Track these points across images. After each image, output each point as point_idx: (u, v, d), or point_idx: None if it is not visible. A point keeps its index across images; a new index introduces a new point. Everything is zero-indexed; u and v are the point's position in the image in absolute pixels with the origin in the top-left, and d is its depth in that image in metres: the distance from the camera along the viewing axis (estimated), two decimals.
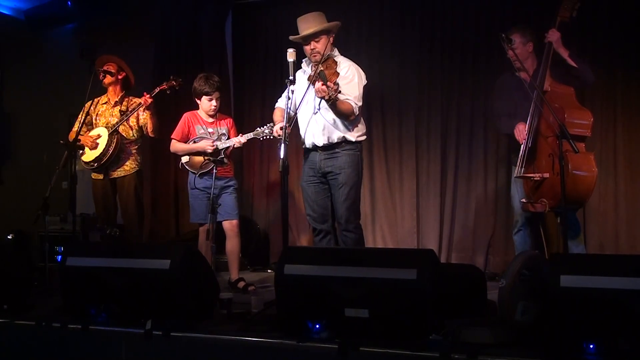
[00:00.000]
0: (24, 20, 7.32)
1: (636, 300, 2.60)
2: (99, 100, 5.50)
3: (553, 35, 4.49)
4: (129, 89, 5.58)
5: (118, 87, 5.51)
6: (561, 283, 2.73)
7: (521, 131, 4.55)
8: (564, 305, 2.73)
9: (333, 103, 4.25)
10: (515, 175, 4.61)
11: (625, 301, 2.62)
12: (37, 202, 4.99)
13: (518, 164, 4.54)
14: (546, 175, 4.40)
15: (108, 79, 5.43)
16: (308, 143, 4.62)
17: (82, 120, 5.38)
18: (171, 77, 5.35)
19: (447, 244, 6.16)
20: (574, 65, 4.49)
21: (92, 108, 5.46)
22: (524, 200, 4.59)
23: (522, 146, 4.51)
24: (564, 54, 4.50)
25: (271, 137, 4.81)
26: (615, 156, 5.59)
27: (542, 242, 4.92)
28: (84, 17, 7.15)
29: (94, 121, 5.48)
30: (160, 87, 5.30)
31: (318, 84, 4.17)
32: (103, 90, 5.55)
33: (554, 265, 2.86)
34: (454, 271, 3.74)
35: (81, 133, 5.33)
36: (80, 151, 5.39)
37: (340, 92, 4.22)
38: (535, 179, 4.46)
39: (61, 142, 5.39)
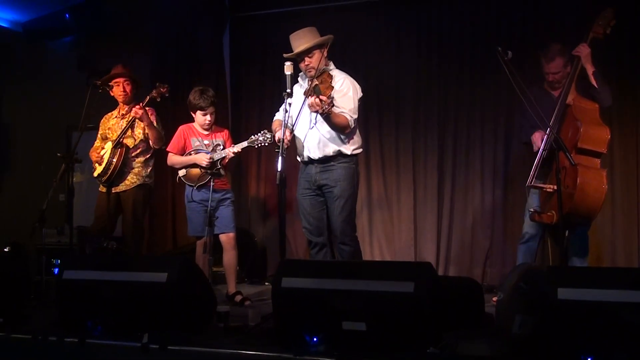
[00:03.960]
0: (22, 33, 7.34)
1: (633, 312, 2.60)
2: (111, 115, 5.49)
3: (583, 50, 4.47)
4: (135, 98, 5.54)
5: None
6: (558, 296, 2.74)
7: (537, 139, 4.53)
8: (561, 318, 2.73)
9: (327, 116, 4.27)
10: (527, 184, 4.57)
11: (622, 314, 2.63)
12: (34, 214, 4.97)
13: (531, 173, 4.50)
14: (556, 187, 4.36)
15: (116, 91, 5.41)
16: (304, 156, 4.62)
17: (98, 136, 5.43)
18: (157, 84, 5.27)
19: (445, 257, 6.16)
20: (594, 84, 4.47)
21: (106, 123, 5.46)
22: (531, 209, 4.55)
23: (537, 156, 4.48)
24: (589, 70, 4.48)
25: (266, 144, 4.80)
26: (612, 170, 5.58)
27: (548, 256, 4.89)
28: (82, 30, 7.15)
29: (108, 136, 5.47)
30: (150, 96, 5.24)
31: (312, 98, 4.19)
32: (108, 103, 5.51)
33: (551, 278, 2.87)
34: (452, 284, 3.75)
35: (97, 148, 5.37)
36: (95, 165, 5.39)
37: (334, 105, 4.23)
38: (547, 190, 4.42)
39: (59, 154, 5.37)
